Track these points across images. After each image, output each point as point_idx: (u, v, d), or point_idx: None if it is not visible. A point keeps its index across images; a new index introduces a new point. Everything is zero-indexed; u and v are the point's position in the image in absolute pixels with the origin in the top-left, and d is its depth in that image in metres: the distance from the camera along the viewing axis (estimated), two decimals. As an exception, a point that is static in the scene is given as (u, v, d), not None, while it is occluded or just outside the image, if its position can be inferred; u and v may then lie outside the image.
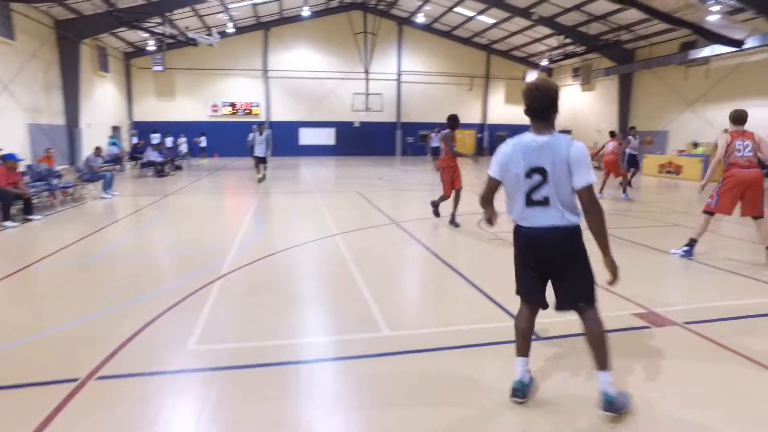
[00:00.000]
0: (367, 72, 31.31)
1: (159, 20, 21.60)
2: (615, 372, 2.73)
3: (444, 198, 8.61)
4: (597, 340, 2.66)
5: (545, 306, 2.85)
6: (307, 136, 32.97)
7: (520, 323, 2.93)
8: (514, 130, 35.47)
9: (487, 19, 28.81)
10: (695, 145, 20.24)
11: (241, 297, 4.77)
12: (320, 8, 30.65)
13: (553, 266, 2.71)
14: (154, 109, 30.17)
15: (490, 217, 3.01)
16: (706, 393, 2.97)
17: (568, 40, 27.12)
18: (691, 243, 6.22)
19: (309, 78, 31.89)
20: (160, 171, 17.42)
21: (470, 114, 34.70)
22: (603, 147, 13.53)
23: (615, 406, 2.61)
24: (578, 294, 2.69)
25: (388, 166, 23.48)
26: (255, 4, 26.58)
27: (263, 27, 30.74)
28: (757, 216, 5.97)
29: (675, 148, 23.24)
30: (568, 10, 24.18)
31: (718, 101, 22.39)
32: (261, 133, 15.58)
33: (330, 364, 3.36)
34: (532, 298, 2.86)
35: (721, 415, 2.72)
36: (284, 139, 31.85)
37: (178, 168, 20.22)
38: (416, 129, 33.91)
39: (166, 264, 6.19)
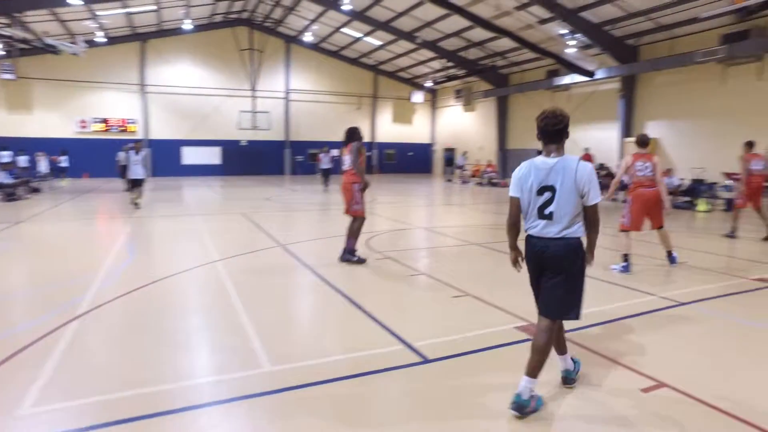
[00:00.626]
0: (253, 89, 30.50)
1: (6, 21, 19.10)
2: (500, 388, 2.72)
3: (360, 223, 6.95)
4: (540, 349, 2.94)
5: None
6: (191, 155, 31.14)
7: (534, 339, 3.06)
8: (402, 148, 36.67)
9: (373, 41, 29.59)
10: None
11: (99, 340, 4.15)
12: (203, 22, 29.34)
13: (549, 276, 2.96)
14: (3, 123, 26.49)
15: (516, 259, 3.23)
16: (583, 398, 3.08)
17: (449, 64, 28.71)
18: (626, 258, 6.56)
19: (192, 94, 30.25)
20: (10, 194, 15.22)
21: (360, 133, 35.19)
22: None
23: (525, 408, 2.85)
24: (557, 308, 2.98)
25: (277, 186, 22.88)
26: (129, 13, 24.67)
27: (140, 38, 28.65)
28: (660, 226, 6.77)
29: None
30: (449, 36, 25.64)
31: (579, 123, 24.97)
32: (137, 152, 13.58)
33: (202, 411, 2.98)
34: (542, 312, 3.06)
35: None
36: (165, 158, 29.78)
37: (36, 191, 17.87)
38: (306, 148, 33.61)
39: (7, 306, 5.26)
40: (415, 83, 35.48)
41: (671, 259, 6.88)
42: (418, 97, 34.65)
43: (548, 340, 2.93)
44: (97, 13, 23.42)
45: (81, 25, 23.98)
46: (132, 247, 8.27)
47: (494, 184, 24.56)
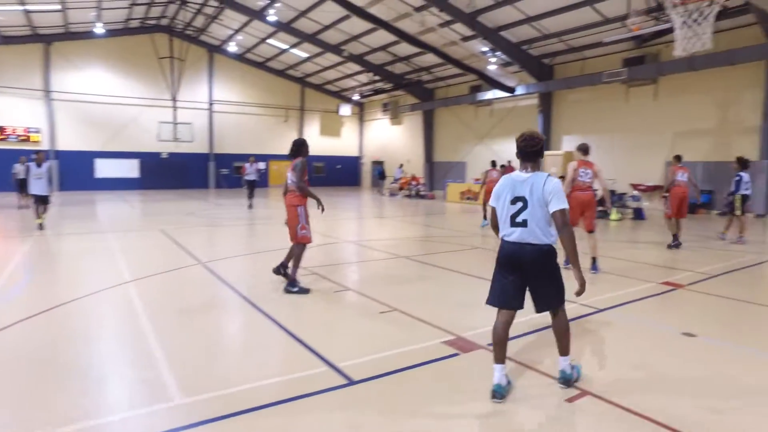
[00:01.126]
0: (174, 99, 29.10)
1: None
2: (426, 407, 2.60)
3: (303, 249, 6.21)
4: (561, 333, 3.41)
5: (521, 306, 3.36)
6: (105, 168, 29.13)
7: (496, 332, 3.37)
8: (330, 161, 36.47)
9: (300, 53, 29.31)
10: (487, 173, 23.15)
11: (-22, 379, 3.61)
12: (118, 27, 27.70)
13: (529, 277, 3.30)
14: None
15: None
16: (508, 412, 3.05)
17: (376, 78, 29.04)
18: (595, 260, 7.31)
19: (107, 103, 28.38)
20: None
21: (287, 146, 34.07)
22: (487, 175, 14.38)
23: (570, 381, 3.40)
24: (549, 303, 3.39)
25: (200, 200, 21.87)
26: (28, 11, 22.68)
27: (43, 40, 26.51)
28: (591, 231, 7.32)
29: (472, 177, 26.27)
30: (375, 50, 25.91)
31: (501, 136, 26.08)
32: (38, 164, 11.72)
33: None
34: (507, 306, 3.37)
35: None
36: (76, 171, 27.69)
37: None
38: (231, 160, 32.54)
39: None
40: (342, 96, 35.53)
41: (594, 266, 7.31)
42: (345, 110, 34.70)
43: (565, 322, 3.42)
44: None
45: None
46: (28, 269, 7.45)
47: (422, 197, 24.96)
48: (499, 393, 3.21)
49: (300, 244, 6.05)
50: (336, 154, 36.78)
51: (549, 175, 3.28)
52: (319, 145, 36.15)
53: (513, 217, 3.28)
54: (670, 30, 14.59)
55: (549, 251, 3.27)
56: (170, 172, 30.71)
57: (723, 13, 14.86)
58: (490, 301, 3.43)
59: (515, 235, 3.28)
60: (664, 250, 9.72)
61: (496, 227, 3.48)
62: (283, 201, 6.19)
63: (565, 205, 3.20)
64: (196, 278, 6.86)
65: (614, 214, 15.16)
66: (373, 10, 19.41)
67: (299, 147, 6.16)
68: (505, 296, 3.35)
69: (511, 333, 3.45)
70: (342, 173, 36.99)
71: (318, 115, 35.79)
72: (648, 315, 5.22)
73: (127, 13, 25.99)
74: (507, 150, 25.25)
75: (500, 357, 3.33)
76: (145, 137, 29.44)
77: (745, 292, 6.47)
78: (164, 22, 28.72)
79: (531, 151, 3.33)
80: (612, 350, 4.18)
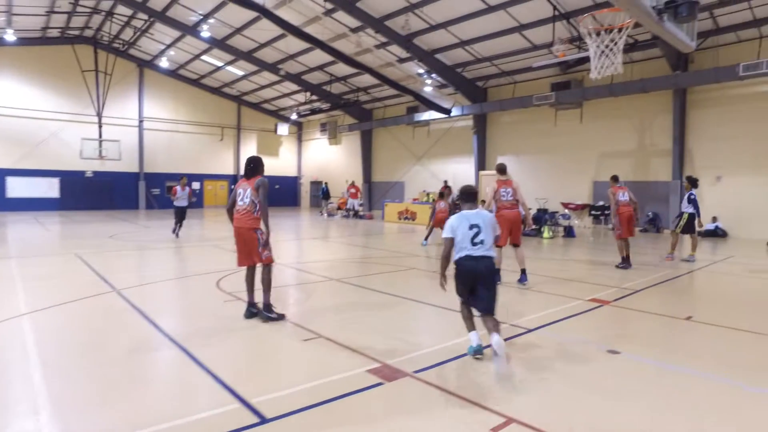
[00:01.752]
0: (100, 115, 27.47)
1: None
2: None
3: (270, 270, 5.72)
4: (492, 324, 4.31)
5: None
6: (19, 187, 26.94)
7: (464, 313, 4.57)
8: (268, 181, 35.65)
9: (236, 71, 28.71)
10: (427, 194, 23.45)
11: None
12: (34, 35, 25.98)
13: (482, 283, 4.39)
14: None
15: (443, 283, 4.56)
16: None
17: (314, 97, 28.86)
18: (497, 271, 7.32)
19: (20, 117, 26.37)
20: None
21: (222, 165, 33.64)
22: (434, 206, 14.21)
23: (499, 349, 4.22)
24: (490, 307, 4.40)
25: (126, 222, 20.58)
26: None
27: (-61, 44, 24.39)
28: (518, 244, 7.75)
29: (410, 197, 26.47)
30: (312, 69, 25.79)
31: (438, 157, 26.54)
32: None
33: None
34: (469, 303, 4.52)
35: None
36: (-19, 189, 25.42)
37: None
38: (163, 180, 31.10)
39: None
40: (280, 115, 35.07)
41: (522, 277, 7.68)
42: (283, 129, 34.22)
43: (495, 320, 4.36)
44: None
45: None
46: None
47: (360, 217, 24.81)
48: (479, 351, 4.34)
49: (267, 265, 5.60)
50: (274, 174, 36.01)
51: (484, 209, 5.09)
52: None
53: (473, 239, 4.42)
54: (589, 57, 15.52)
55: (494, 262, 4.53)
56: (95, 192, 28.88)
57: (634, 46, 16.01)
58: (459, 293, 4.54)
59: (475, 250, 4.40)
60: (592, 267, 10.04)
61: (446, 257, 4.52)
62: (226, 222, 5.79)
63: (500, 232, 4.97)
64: (105, 308, 6.26)
65: (546, 232, 15.64)
66: (309, 30, 19.32)
67: (258, 165, 5.72)
68: (469, 298, 4.49)
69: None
70: (280, 193, 36.25)
71: (255, 134, 35.06)
72: (576, 333, 5.24)
73: (44, 21, 24.45)
74: (444, 170, 25.73)
75: (471, 327, 4.50)
76: (66, 154, 27.56)
77: (663, 305, 6.71)
78: (88, 33, 27.24)
79: (472, 194, 4.74)
80: (540, 371, 4.11)
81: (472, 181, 23.98)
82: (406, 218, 21.79)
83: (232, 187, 32.24)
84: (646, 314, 6.12)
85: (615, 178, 10.12)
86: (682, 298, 7.58)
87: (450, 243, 4.45)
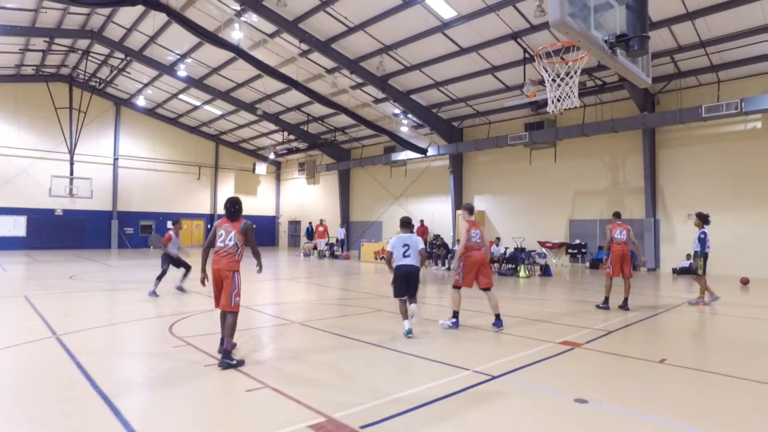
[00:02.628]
0: (72, 153, 27.00)
1: None
2: None
3: (234, 317, 5.51)
4: (412, 301, 6.85)
5: (409, 294, 6.90)
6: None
7: (401, 309, 6.86)
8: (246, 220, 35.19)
9: (214, 110, 28.70)
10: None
11: None
12: (8, 72, 25.74)
13: (410, 281, 6.84)
14: None
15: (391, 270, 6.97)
16: None
17: (291, 137, 28.88)
18: (455, 315, 7.42)
19: (-11, 153, 25.78)
20: None
21: (199, 204, 33.15)
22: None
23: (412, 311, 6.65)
24: (413, 294, 6.93)
25: (93, 261, 19.84)
26: None
27: None
28: (489, 288, 7.45)
29: (388, 237, 26.20)
30: (290, 109, 25.90)
31: (416, 196, 26.52)
32: None
33: None
34: (403, 297, 6.85)
35: None
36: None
37: None
38: (137, 219, 30.44)
39: None
40: (258, 155, 34.98)
41: (497, 322, 7.31)
42: (261, 168, 34.03)
43: (415, 300, 6.96)
44: None
45: None
46: None
47: (336, 257, 24.40)
48: (410, 332, 6.60)
49: (234, 312, 5.44)
50: (252, 214, 35.58)
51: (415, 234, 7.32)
52: (234, 203, 34.89)
53: (404, 253, 6.84)
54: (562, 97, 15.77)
55: (419, 269, 6.95)
56: (65, 231, 28.05)
57: (603, 88, 16.39)
58: (396, 295, 6.88)
59: (406, 261, 6.82)
60: (567, 307, 9.78)
61: (390, 263, 6.97)
62: (201, 262, 5.76)
63: (423, 246, 7.11)
64: (39, 356, 5.74)
65: (522, 272, 15.44)
66: (285, 70, 19.44)
67: (241, 206, 5.65)
68: (402, 292, 6.82)
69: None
70: (258, 233, 35.41)
71: (233, 173, 34.82)
72: (543, 380, 4.91)
73: (18, 58, 24.28)
74: (421, 209, 25.66)
75: (405, 317, 6.74)
76: (35, 192, 26.87)
77: (636, 348, 6.44)
78: (65, 71, 27.09)
79: (409, 224, 7.12)
80: (498, 427, 3.76)
81: (449, 221, 23.94)
82: (381, 258, 21.44)
83: (209, 226, 31.62)
84: (618, 357, 5.84)
85: (617, 215, 9.78)
86: (657, 339, 7.32)
87: (390, 255, 6.96)
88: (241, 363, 5.23)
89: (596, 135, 18.48)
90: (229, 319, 5.41)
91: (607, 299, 9.28)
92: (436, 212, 25.00)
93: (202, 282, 5.67)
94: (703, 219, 9.82)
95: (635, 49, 3.69)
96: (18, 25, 20.53)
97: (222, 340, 5.50)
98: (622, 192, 18.75)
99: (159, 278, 10.62)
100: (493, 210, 22.91)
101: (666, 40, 15.05)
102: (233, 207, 5.55)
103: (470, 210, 7.74)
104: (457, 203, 23.78)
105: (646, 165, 17.62)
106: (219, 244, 5.48)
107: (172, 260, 10.92)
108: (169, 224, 10.51)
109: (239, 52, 17.56)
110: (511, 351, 6.03)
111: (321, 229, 25.05)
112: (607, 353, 6.00)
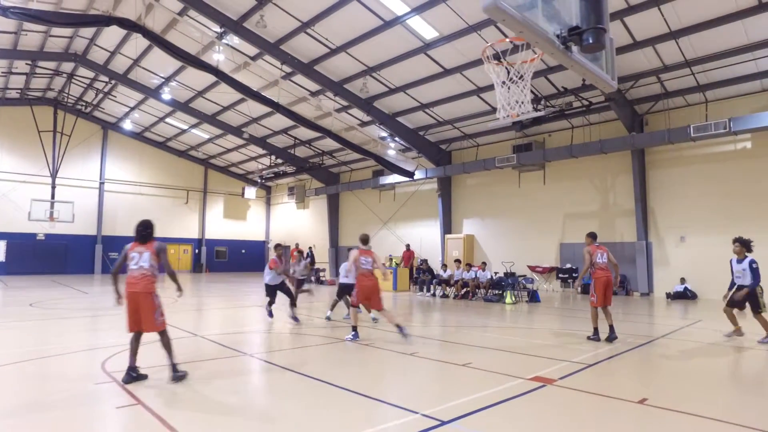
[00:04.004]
0: (54, 176, 26.56)
1: None
2: None
3: (167, 335, 5.69)
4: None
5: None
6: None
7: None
8: (234, 245, 34.61)
9: (201, 134, 28.41)
10: (390, 258, 22.59)
11: None
12: (-8, 96, 25.53)
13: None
14: None
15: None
16: None
17: (279, 161, 28.52)
18: (354, 329, 8.34)
19: (-32, 178, 25.33)
20: None
21: (187, 228, 32.59)
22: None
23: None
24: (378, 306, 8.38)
25: (68, 287, 19.16)
26: None
27: None
28: (380, 309, 8.37)
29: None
30: (276, 133, 25.58)
31: (405, 220, 25.98)
32: None
33: None
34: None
35: None
36: None
37: None
38: (123, 243, 29.65)
39: None
40: (248, 179, 34.59)
41: (401, 330, 7.94)
42: (250, 192, 33.58)
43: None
44: None
45: None
46: None
47: (321, 282, 23.71)
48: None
49: (162, 331, 5.62)
50: (241, 238, 35.05)
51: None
52: (222, 228, 34.43)
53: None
54: (545, 118, 15.41)
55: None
56: (47, 256, 27.42)
57: (589, 108, 16.04)
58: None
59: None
60: (549, 336, 9.12)
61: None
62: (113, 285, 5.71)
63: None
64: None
65: (509, 298, 14.78)
66: (269, 93, 19.12)
67: (153, 229, 5.78)
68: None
69: None
70: (247, 258, 35.06)
71: (222, 198, 34.36)
72: (500, 427, 4.27)
73: (2, 81, 24.05)
74: (410, 234, 25.08)
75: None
76: (16, 216, 26.32)
77: (616, 384, 5.80)
78: (51, 95, 26.86)
79: (366, 241, 8.20)
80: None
81: (438, 246, 23.34)
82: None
83: (197, 251, 30.73)
84: (593, 396, 5.19)
85: (593, 236, 8.74)
86: (640, 374, 6.66)
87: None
88: (185, 374, 5.59)
89: (585, 156, 18.08)
90: (163, 338, 5.60)
91: (596, 330, 8.42)
92: (426, 236, 24.42)
93: (119, 302, 5.60)
94: (745, 245, 8.44)
95: (590, 43, 3.21)
96: (0, 48, 20.34)
97: (131, 361, 5.51)
98: (612, 214, 18.23)
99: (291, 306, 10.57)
100: (482, 234, 22.34)
101: (651, 60, 14.77)
102: (145, 230, 5.65)
103: (364, 240, 8.51)
104: (446, 227, 23.24)
105: (636, 186, 17.15)
106: (132, 266, 5.52)
107: (278, 287, 10.52)
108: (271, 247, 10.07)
109: (220, 75, 17.23)
110: (470, 389, 5.39)
111: (296, 253, 23.97)
112: (580, 391, 5.35)
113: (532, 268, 19.59)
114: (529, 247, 20.29)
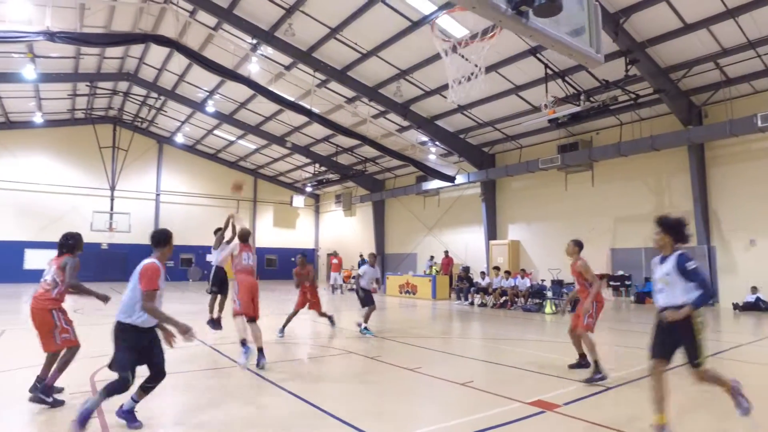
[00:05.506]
0: (112, 189, 28.03)
1: None
2: None
3: (73, 353, 5.27)
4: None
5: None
6: (36, 259, 27.14)
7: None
8: (284, 253, 35.12)
9: (248, 144, 29.11)
10: (431, 266, 21.98)
11: None
12: (63, 117, 27.41)
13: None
14: None
15: None
16: None
17: (323, 169, 28.67)
18: (243, 343, 6.86)
19: (43, 192, 27.32)
20: None
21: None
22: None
23: None
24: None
25: (117, 293, 20.01)
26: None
27: (-20, 129, 25.92)
28: (256, 319, 7.07)
29: (422, 269, 24.97)
30: (318, 141, 25.72)
31: (449, 226, 25.26)
32: None
33: None
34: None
35: None
36: (2, 262, 25.91)
37: None
38: (177, 252, 31.01)
39: None
40: (296, 188, 35.09)
41: (260, 356, 6.69)
42: (299, 201, 34.01)
43: None
44: None
45: None
46: None
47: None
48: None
49: (70, 349, 5.14)
50: (290, 246, 35.53)
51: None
52: (272, 236, 35.06)
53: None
54: (588, 114, 14.33)
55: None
56: (109, 264, 28.96)
57: (637, 102, 14.75)
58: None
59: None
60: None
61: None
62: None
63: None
64: None
65: (548, 307, 13.79)
66: (306, 102, 19.18)
67: (74, 241, 5.49)
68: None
69: None
70: (295, 265, 35.41)
71: (271, 207, 35.06)
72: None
73: (69, 103, 25.78)
74: (454, 240, 24.36)
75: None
76: (82, 227, 27.86)
77: (632, 414, 4.99)
78: (111, 113, 28.54)
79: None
80: None
81: (483, 252, 22.47)
82: (407, 292, 20.23)
83: (242, 259, 31.79)
84: (595, 428, 4.47)
85: (579, 245, 6.90)
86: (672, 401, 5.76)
87: None
88: (58, 403, 4.87)
89: (635, 154, 16.69)
90: (66, 354, 5.09)
91: (597, 364, 6.08)
92: (471, 243, 23.59)
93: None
94: None
95: (542, 3, 2.65)
96: (63, 72, 21.75)
97: (42, 372, 5.02)
98: (669, 217, 16.68)
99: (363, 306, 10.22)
100: (528, 239, 21.24)
101: (707, 44, 13.37)
102: (66, 241, 5.34)
103: (245, 236, 7.60)
104: (491, 233, 22.32)
105: (695, 185, 15.60)
106: (41, 280, 5.19)
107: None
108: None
109: (254, 86, 17.51)
110: (460, 412, 4.82)
111: (335, 261, 23.54)
112: (586, 421, 4.62)
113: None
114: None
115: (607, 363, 6.55)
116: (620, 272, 17.52)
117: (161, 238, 4.57)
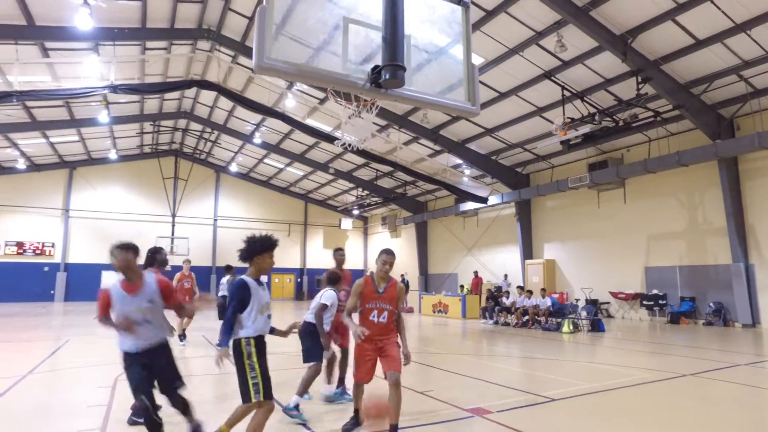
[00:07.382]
0: (173, 216, 30.65)
1: None
2: None
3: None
4: None
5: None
6: (110, 280, 30.10)
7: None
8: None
9: (296, 171, 30.85)
10: (462, 286, 22.27)
11: None
12: (133, 153, 30.51)
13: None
14: None
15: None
16: None
17: (365, 192, 29.79)
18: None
19: (117, 219, 30.38)
20: None
21: (289, 258, 35.18)
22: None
23: None
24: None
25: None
26: (52, 143, 25.51)
27: (68, 166, 29.40)
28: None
29: (444, 290, 25.19)
30: (360, 166, 26.90)
31: (487, 246, 25.46)
32: None
33: None
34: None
35: None
36: (83, 282, 28.96)
37: None
38: (238, 273, 33.11)
39: None
40: (344, 211, 36.47)
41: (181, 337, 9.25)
42: (347, 224, 35.29)
43: None
44: (18, 142, 24.22)
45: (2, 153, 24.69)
46: None
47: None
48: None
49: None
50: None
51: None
52: (322, 258, 36.46)
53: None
54: (605, 133, 14.41)
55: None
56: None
57: (660, 120, 14.64)
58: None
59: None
60: (564, 366, 8.51)
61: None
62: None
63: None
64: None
65: (566, 327, 13.80)
66: (339, 133, 20.41)
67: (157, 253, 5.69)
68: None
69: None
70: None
71: (321, 230, 36.61)
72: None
73: (138, 140, 28.72)
74: (493, 260, 24.50)
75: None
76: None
77: (548, 427, 5.36)
78: (174, 147, 31.40)
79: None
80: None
81: (519, 272, 22.48)
82: (439, 311, 20.64)
83: (299, 280, 33.22)
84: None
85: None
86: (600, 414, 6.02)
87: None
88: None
89: (664, 171, 16.39)
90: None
91: None
92: (508, 262, 23.64)
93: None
94: None
95: (387, 79, 3.39)
96: (131, 114, 24.49)
97: None
98: (702, 233, 16.15)
99: None
100: (563, 258, 21.06)
101: (725, 57, 13.17)
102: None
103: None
104: (526, 252, 22.31)
105: (727, 200, 15.07)
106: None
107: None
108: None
109: (289, 121, 18.99)
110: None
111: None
112: (507, 428, 5.10)
113: (615, 295, 17.98)
114: (612, 271, 18.68)
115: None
116: (654, 291, 17.05)
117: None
